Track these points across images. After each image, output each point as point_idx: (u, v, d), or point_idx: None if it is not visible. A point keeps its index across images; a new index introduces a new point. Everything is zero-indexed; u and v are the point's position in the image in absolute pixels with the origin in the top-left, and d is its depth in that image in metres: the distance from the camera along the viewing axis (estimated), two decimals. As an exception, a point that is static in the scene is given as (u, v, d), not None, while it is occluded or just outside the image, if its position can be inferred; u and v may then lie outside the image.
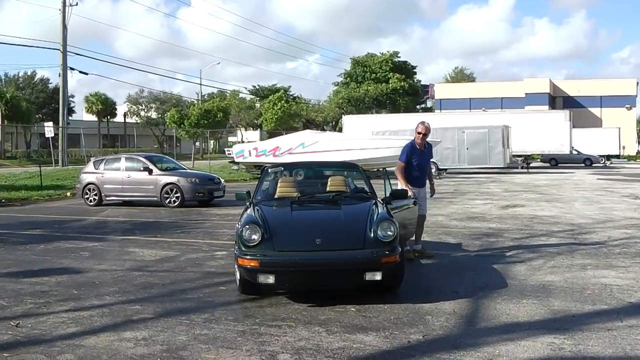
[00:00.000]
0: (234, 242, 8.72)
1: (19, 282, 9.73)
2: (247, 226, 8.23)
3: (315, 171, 11.87)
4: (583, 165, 58.17)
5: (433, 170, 42.24)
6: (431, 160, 12.08)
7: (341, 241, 8.07)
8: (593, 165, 58.71)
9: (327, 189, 10.13)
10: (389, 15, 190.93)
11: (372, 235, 8.07)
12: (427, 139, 11.73)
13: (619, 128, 66.77)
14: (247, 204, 9.76)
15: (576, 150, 57.77)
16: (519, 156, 50.14)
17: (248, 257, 7.94)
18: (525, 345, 6.41)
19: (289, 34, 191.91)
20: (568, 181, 35.10)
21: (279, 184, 10.22)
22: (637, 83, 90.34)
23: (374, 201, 9.41)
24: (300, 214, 9.08)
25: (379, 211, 8.76)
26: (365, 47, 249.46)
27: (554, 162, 58.61)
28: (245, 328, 7.11)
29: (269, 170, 11.04)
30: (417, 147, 11.50)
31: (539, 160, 60.41)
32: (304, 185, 10.70)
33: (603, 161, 60.96)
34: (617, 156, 66.80)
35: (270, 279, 7.89)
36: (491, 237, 13.67)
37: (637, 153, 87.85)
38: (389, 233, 8.12)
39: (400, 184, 11.18)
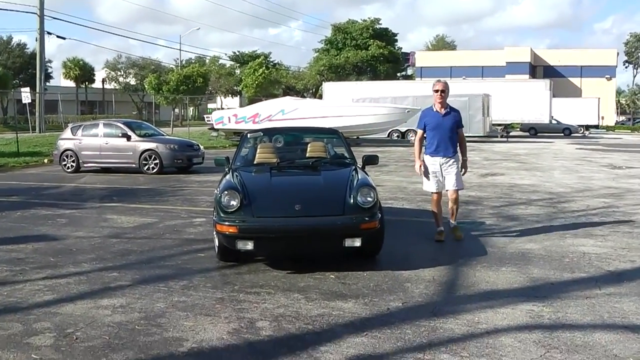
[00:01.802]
0: (212, 209, 8.64)
1: (-6, 249, 9.62)
2: (225, 192, 8.15)
3: (295, 137, 11.76)
4: (562, 134, 58.40)
5: (412, 138, 42.80)
6: (460, 125, 10.02)
7: (320, 207, 8.01)
8: (572, 135, 58.97)
9: (307, 154, 10.04)
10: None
11: (351, 201, 8.02)
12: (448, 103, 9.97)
13: (599, 98, 67.03)
14: (226, 170, 9.68)
15: (555, 120, 58.03)
16: (499, 125, 50.18)
17: (227, 223, 7.86)
18: (504, 312, 6.41)
19: (272, 1, 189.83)
20: (547, 150, 35.23)
21: (258, 150, 10.13)
22: (618, 54, 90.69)
23: (353, 167, 9.36)
24: (279, 179, 9.00)
25: (359, 177, 8.70)
26: (348, 13, 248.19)
27: (533, 131, 58.77)
28: (224, 295, 7.06)
29: (248, 136, 10.95)
30: (435, 110, 9.90)
31: (518, 129, 60.59)
32: (284, 151, 10.59)
33: (582, 131, 61.20)
34: (596, 126, 67.06)
35: (249, 246, 7.83)
36: (470, 205, 13.65)
37: (615, 123, 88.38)
38: (369, 199, 8.07)
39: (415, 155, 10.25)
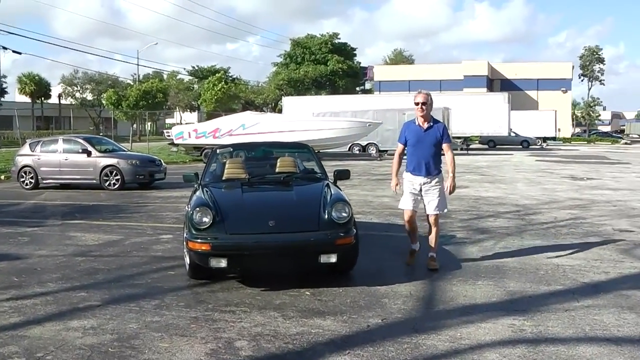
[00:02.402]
0: (179, 225, 8.47)
1: (-46, 269, 9.29)
2: (197, 208, 7.97)
3: (264, 152, 11.58)
4: (520, 147, 59.11)
5: (373, 152, 43.12)
6: (447, 140, 8.98)
7: (295, 223, 7.86)
8: (530, 147, 59.74)
9: (277, 170, 9.88)
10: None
11: (326, 216, 7.89)
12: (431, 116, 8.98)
13: (555, 111, 67.89)
14: (196, 186, 9.49)
15: (514, 132, 58.66)
16: (458, 138, 50.51)
17: (199, 240, 7.67)
18: (486, 327, 6.32)
19: (230, 15, 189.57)
20: (508, 162, 35.53)
21: (227, 165, 9.94)
22: (573, 67, 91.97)
23: (325, 182, 9.23)
24: (251, 195, 8.84)
25: (332, 192, 8.57)
26: (306, 28, 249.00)
27: (492, 143, 59.34)
28: (198, 314, 6.86)
29: (217, 151, 10.75)
30: (416, 124, 8.93)
31: (477, 142, 61.06)
32: (253, 166, 10.42)
33: (540, 143, 61.95)
34: (553, 138, 67.92)
35: (223, 263, 7.64)
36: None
37: (572, 135, 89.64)
38: (344, 214, 7.95)
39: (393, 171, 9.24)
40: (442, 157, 9.10)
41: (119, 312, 6.97)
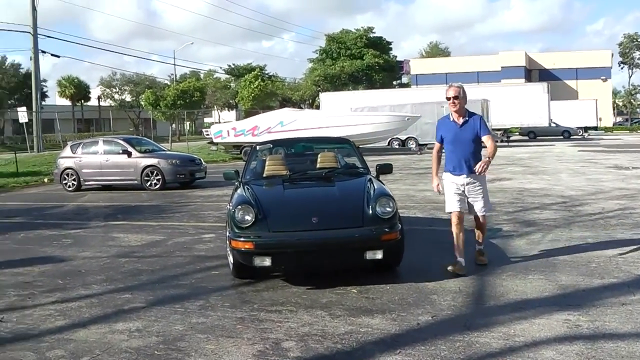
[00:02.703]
0: (221, 224, 8.37)
1: (0, 273, 9.30)
2: (239, 207, 7.86)
3: (305, 147, 11.45)
4: (561, 137, 58.22)
5: (413, 146, 42.81)
6: (487, 133, 8.28)
7: (339, 219, 7.71)
8: (571, 137, 58.79)
9: (318, 165, 9.74)
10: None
11: (370, 212, 7.73)
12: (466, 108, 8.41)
13: (596, 100, 66.85)
14: (237, 183, 9.40)
15: (554, 123, 57.81)
16: (498, 130, 49.97)
17: (242, 239, 7.57)
18: (540, 323, 6.11)
19: (265, 13, 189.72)
20: (549, 153, 35.00)
21: (267, 162, 9.83)
22: (612, 55, 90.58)
23: (368, 177, 9.07)
24: (293, 192, 8.73)
25: (375, 187, 8.42)
26: (341, 23, 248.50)
27: (532, 134, 58.62)
28: (244, 314, 6.75)
29: (257, 148, 10.65)
30: (451, 120, 8.36)
31: (517, 133, 60.35)
32: (294, 162, 10.30)
33: (581, 133, 61.03)
34: (595, 128, 66.84)
35: (267, 262, 7.52)
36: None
37: (613, 124, 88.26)
38: (388, 209, 7.79)
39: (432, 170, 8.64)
40: (484, 149, 8.46)
41: (163, 314, 6.89)
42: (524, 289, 7.36)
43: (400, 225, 7.90)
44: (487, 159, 8.11)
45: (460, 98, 8.21)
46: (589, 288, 7.31)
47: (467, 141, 8.22)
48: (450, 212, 8.38)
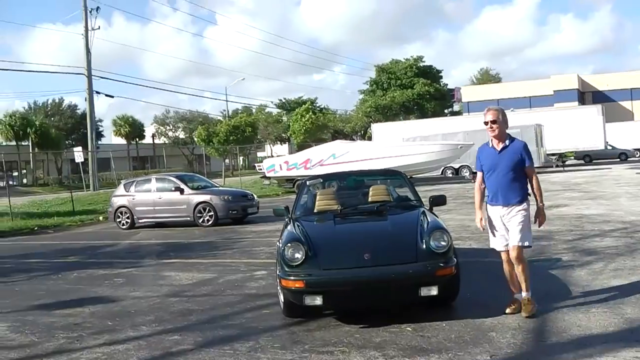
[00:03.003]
0: (273, 261, 8.19)
1: (50, 315, 9.28)
2: (289, 244, 7.68)
3: (356, 181, 11.22)
4: (618, 160, 57.03)
5: (467, 174, 42.36)
6: (528, 162, 7.69)
7: (392, 255, 7.47)
8: (628, 159, 57.56)
9: (370, 199, 9.54)
10: (413, 21, 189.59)
11: (424, 246, 7.48)
12: (508, 133, 7.80)
13: (653, 120, 65.47)
14: (287, 220, 9.23)
15: (610, 145, 56.66)
16: (553, 155, 49.18)
17: (292, 277, 7.37)
18: (606, 361, 5.78)
19: (314, 46, 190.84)
20: (607, 177, 34.19)
21: (318, 197, 9.66)
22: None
23: (421, 209, 8.83)
24: (344, 227, 8.51)
25: (429, 220, 8.17)
26: (390, 54, 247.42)
27: (588, 158, 57.49)
28: (294, 356, 6.53)
29: (307, 183, 10.47)
30: (490, 146, 7.79)
31: (572, 157, 59.29)
32: (345, 196, 10.11)
33: (638, 155, 59.74)
34: (652, 149, 65.40)
35: (318, 300, 7.30)
36: (541, 240, 12.96)
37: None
38: (442, 243, 7.53)
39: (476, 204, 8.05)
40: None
41: (212, 356, 6.72)
42: (587, 323, 7.00)
43: (455, 259, 7.63)
44: (540, 205, 7.71)
45: (499, 122, 7.61)
46: (658, 321, 6.94)
47: (506, 168, 7.60)
48: (497, 250, 7.93)
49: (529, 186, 7.73)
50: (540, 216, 7.71)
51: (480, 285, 9.20)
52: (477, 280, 9.39)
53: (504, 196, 7.60)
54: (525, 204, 7.59)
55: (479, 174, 7.97)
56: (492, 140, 7.75)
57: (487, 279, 9.67)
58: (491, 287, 9.10)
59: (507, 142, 7.67)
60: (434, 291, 7.28)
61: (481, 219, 7.86)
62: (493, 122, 7.59)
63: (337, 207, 9.17)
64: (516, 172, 7.60)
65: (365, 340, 6.89)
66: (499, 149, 7.67)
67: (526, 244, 7.65)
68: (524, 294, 7.59)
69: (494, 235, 7.82)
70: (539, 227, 7.90)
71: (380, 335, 7.03)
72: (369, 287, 7.27)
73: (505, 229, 7.67)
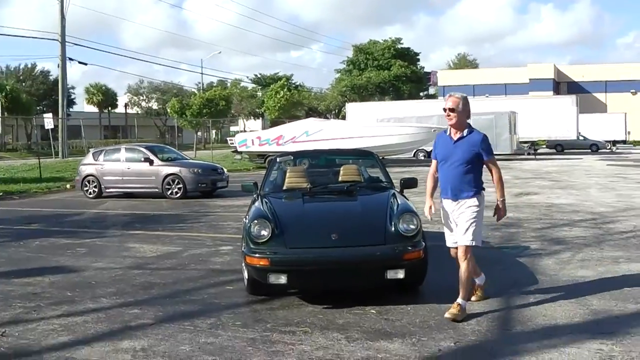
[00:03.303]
0: (239, 236, 8.03)
1: (9, 283, 9.04)
2: (255, 221, 7.52)
3: (327, 160, 11.08)
4: (589, 151, 57.51)
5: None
6: (486, 156, 7.12)
7: (360, 236, 7.34)
8: (599, 150, 58.06)
9: (340, 178, 9.39)
10: (395, 3, 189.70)
11: (393, 229, 7.36)
12: (471, 122, 7.25)
13: (625, 113, 65.92)
14: (255, 196, 9.06)
15: (582, 136, 57.06)
16: (525, 142, 49.43)
17: (257, 255, 7.22)
18: (570, 352, 5.71)
19: (294, 23, 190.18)
20: (578, 167, 34.38)
21: (287, 174, 9.49)
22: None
23: (392, 191, 8.69)
24: (313, 206, 8.36)
25: (399, 202, 8.04)
26: (370, 34, 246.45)
27: (560, 148, 57.92)
28: (256, 335, 6.39)
29: (277, 160, 10.29)
30: (447, 135, 7.23)
31: (544, 146, 59.62)
32: (315, 175, 9.95)
33: (609, 147, 60.25)
34: (623, 142, 66.00)
35: (283, 279, 7.16)
36: (510, 227, 12.95)
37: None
38: (412, 226, 7.42)
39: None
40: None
41: (172, 332, 6.55)
42: (553, 313, 6.94)
43: (424, 243, 7.53)
44: (500, 200, 7.21)
45: (457, 111, 7.01)
46: (622, 314, 6.88)
47: (458, 160, 7.01)
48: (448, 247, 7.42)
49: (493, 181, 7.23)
50: (500, 210, 7.26)
51: (447, 270, 9.05)
52: (444, 265, 9.25)
53: (454, 190, 7.06)
54: (476, 199, 7.01)
55: (433, 163, 7.39)
56: (449, 128, 7.19)
57: (454, 264, 9.55)
58: (457, 272, 9.01)
59: (465, 132, 7.08)
60: (400, 274, 7.16)
61: (430, 207, 7.31)
62: (451, 109, 7.01)
63: (306, 185, 9.01)
64: (470, 166, 7.03)
65: (329, 321, 6.77)
66: (454, 139, 7.11)
67: (473, 243, 7.05)
68: (458, 299, 6.95)
69: (445, 230, 7.41)
70: (497, 220, 7.48)
71: (344, 317, 6.91)
72: (335, 268, 7.13)
73: (455, 225, 7.17)
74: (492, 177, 7.20)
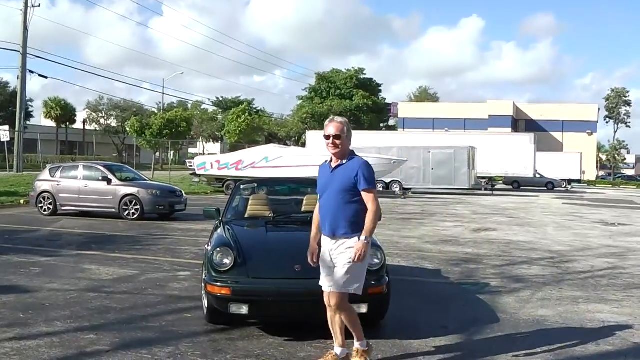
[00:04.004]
0: (198, 262, 7.88)
1: (-42, 302, 8.75)
2: (218, 249, 7.38)
3: (290, 188, 10.99)
4: (545, 188, 58.20)
5: (397, 189, 42.65)
6: (363, 185, 6.10)
7: None
8: (555, 189, 58.81)
9: (303, 208, 9.30)
10: (360, 34, 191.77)
11: (356, 262, 7.25)
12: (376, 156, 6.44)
13: (581, 153, 66.95)
14: (217, 223, 8.92)
15: (539, 174, 57.81)
16: (483, 178, 49.92)
17: (219, 284, 7.08)
18: (533, 395, 5.66)
19: (259, 48, 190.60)
20: (534, 205, 34.77)
21: (250, 202, 9.37)
22: (599, 109, 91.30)
23: (356, 224, 8.60)
24: (276, 236, 8.26)
25: (363, 236, 7.94)
26: (335, 63, 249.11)
27: (516, 184, 58.54)
28: (215, 366, 6.25)
29: (241, 187, 10.17)
30: (327, 163, 6.43)
31: (501, 182, 60.23)
32: (278, 203, 9.89)
33: (565, 185, 61.07)
34: (578, 181, 66.95)
35: (244, 309, 7.02)
36: (470, 263, 12.97)
37: (596, 178, 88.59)
38: (376, 261, 7.32)
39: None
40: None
41: (129, 360, 6.37)
42: (517, 354, 6.89)
43: (387, 278, 7.46)
44: (364, 237, 5.99)
45: (343, 138, 6.17)
46: (583, 355, 6.89)
47: (335, 191, 6.18)
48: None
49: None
50: (358, 250, 5.94)
51: (408, 305, 9.05)
52: (405, 300, 9.25)
53: (331, 225, 6.18)
54: (356, 238, 6.06)
55: (318, 198, 6.52)
56: (332, 157, 6.33)
57: (415, 299, 9.54)
58: (419, 308, 8.99)
59: (345, 160, 6.25)
60: (363, 309, 7.05)
61: (312, 254, 6.48)
62: (337, 137, 6.15)
63: (269, 214, 8.92)
64: (347, 197, 6.13)
65: (290, 354, 6.66)
66: (333, 167, 6.30)
67: (350, 290, 6.14)
68: (355, 343, 6.40)
69: (322, 270, 6.38)
70: (353, 262, 5.98)
71: (305, 350, 6.80)
72: (298, 300, 7.01)
73: (333, 267, 6.20)
74: (369, 212, 6.08)
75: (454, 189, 44.05)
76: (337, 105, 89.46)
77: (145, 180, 23.89)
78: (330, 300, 6.17)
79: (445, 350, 6.95)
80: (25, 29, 46.94)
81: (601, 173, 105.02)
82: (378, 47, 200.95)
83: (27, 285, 9.96)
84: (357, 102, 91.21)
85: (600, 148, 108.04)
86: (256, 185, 10.50)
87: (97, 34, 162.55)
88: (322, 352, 6.70)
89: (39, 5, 46.93)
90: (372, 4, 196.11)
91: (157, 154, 73.28)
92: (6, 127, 45.88)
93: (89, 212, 21.52)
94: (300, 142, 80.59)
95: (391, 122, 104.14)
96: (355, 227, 6.06)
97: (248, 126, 74.08)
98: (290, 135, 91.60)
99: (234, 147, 62.32)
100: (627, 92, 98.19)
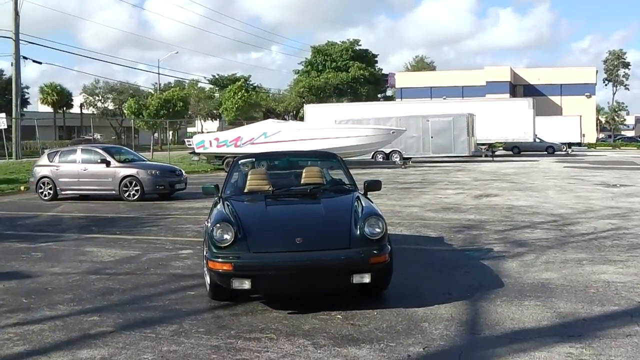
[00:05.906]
0: (199, 239, 7.82)
1: (-39, 290, 8.72)
2: (217, 225, 7.31)
3: (289, 162, 10.88)
4: (545, 153, 58.06)
5: (397, 159, 42.57)
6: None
7: (324, 240, 7.19)
8: (555, 153, 58.70)
9: (303, 181, 9.21)
10: (357, 6, 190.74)
11: (358, 232, 7.22)
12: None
13: (580, 116, 66.72)
14: (216, 199, 8.86)
15: (539, 138, 57.62)
16: (482, 144, 49.77)
17: (220, 259, 7.03)
18: (540, 356, 5.65)
19: (256, 25, 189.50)
20: (535, 169, 34.67)
21: (249, 177, 9.28)
22: (597, 71, 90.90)
23: (356, 194, 8.55)
24: (276, 209, 8.19)
25: (364, 205, 7.91)
26: (332, 36, 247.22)
27: (516, 150, 58.39)
28: (220, 342, 6.20)
29: (239, 162, 10.08)
30: None
31: (501, 148, 60.09)
32: (277, 177, 9.77)
33: (565, 149, 60.93)
34: (579, 144, 66.71)
35: (246, 284, 6.98)
36: (472, 229, 12.92)
37: (596, 141, 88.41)
38: (377, 230, 7.27)
39: None
40: None
41: (133, 340, 6.34)
42: (521, 316, 6.87)
43: (389, 247, 7.40)
44: None
45: None
46: (589, 317, 6.85)
47: None
48: None
49: None
50: None
51: (411, 273, 9.02)
52: (409, 268, 9.21)
53: None
54: None
55: None
56: None
57: (418, 268, 9.51)
58: (422, 276, 8.96)
59: None
60: (366, 279, 7.03)
61: None
62: None
63: (268, 188, 8.84)
64: None
65: (294, 327, 6.62)
66: None
67: None
68: None
69: None
70: None
71: (310, 322, 6.76)
72: (300, 273, 6.96)
73: None
74: None
75: (454, 157, 43.98)
76: (334, 78, 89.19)
77: (144, 160, 23.79)
78: None
79: (450, 316, 6.91)
80: (17, 14, 46.58)
81: (601, 135, 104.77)
82: (375, 18, 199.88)
83: (29, 270, 9.94)
84: (354, 73, 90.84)
85: (599, 110, 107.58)
86: (254, 159, 10.41)
87: (92, 17, 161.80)
88: (327, 323, 6.68)
89: (29, -10, 46.54)
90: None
91: (156, 134, 73.00)
92: (3, 115, 45.63)
93: (90, 195, 21.47)
94: (298, 116, 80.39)
95: (389, 93, 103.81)
96: None
97: (245, 103, 73.83)
98: (288, 109, 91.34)
99: (232, 124, 62.19)
100: (625, 53, 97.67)
